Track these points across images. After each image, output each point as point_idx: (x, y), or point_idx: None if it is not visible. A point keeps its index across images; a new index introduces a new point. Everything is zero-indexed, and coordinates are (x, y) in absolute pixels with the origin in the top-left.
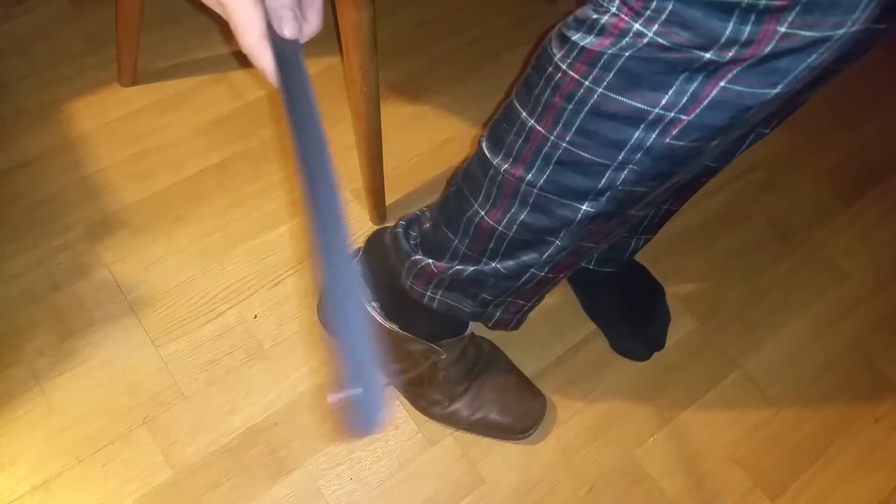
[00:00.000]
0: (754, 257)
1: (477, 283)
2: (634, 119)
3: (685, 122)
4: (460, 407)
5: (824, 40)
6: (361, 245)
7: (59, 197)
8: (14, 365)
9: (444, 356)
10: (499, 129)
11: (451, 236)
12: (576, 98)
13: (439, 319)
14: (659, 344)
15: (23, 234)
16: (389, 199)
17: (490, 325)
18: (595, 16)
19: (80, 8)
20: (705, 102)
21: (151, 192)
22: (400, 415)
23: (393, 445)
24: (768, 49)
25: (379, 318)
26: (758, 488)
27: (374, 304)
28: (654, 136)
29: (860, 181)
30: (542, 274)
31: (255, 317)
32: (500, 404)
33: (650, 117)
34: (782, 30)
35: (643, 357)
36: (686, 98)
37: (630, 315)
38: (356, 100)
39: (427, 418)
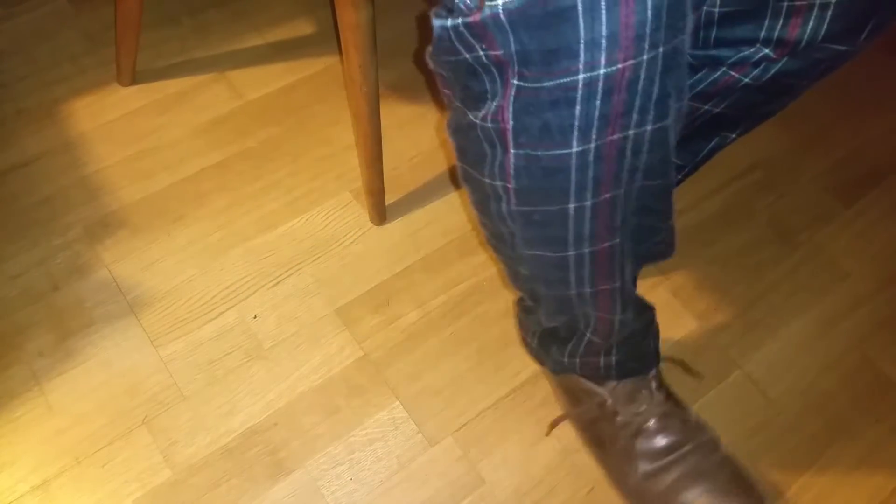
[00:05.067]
0: (754, 257)
1: (549, 336)
2: (486, 191)
3: (513, 190)
4: (651, 492)
5: (571, 86)
6: None
7: (59, 197)
8: (14, 365)
9: (608, 401)
10: None
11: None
12: (459, 168)
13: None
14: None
15: (22, 234)
16: (389, 199)
17: (580, 374)
18: None
19: (79, 8)
20: (512, 170)
21: (151, 192)
22: (400, 415)
23: (393, 446)
24: (514, 105)
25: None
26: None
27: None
28: (503, 206)
29: (860, 181)
30: (593, 314)
31: (255, 317)
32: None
33: (488, 189)
34: (516, 83)
35: None
36: (497, 167)
37: None
38: (356, 100)
39: (429, 419)
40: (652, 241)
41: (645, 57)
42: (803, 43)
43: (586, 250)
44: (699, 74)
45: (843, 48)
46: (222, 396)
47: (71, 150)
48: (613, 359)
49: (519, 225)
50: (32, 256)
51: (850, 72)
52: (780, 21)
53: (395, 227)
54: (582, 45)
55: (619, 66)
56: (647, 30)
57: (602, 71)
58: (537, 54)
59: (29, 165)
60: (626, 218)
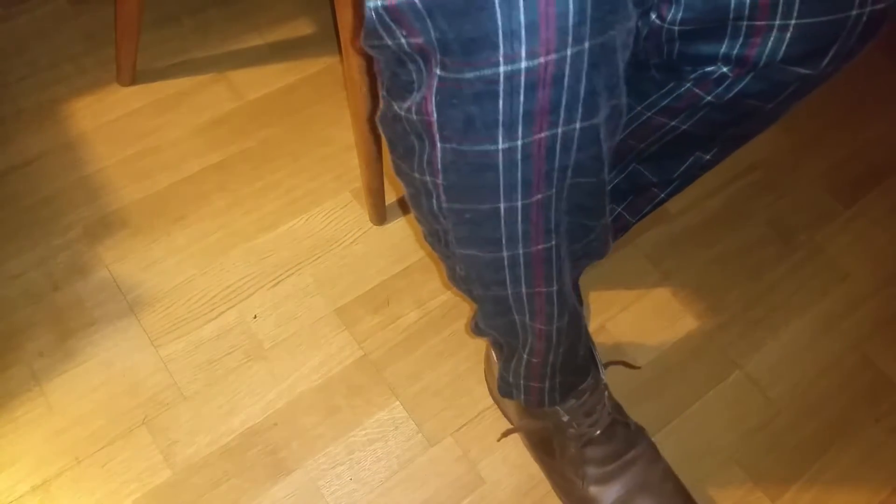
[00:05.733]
0: (754, 257)
1: (497, 350)
2: (417, 186)
3: (442, 186)
4: (599, 500)
5: (492, 79)
6: None
7: (59, 197)
8: (14, 365)
9: (565, 418)
10: None
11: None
12: (391, 161)
13: None
14: None
15: (22, 234)
16: (389, 198)
17: (524, 405)
18: None
19: (79, 8)
20: (440, 165)
21: (151, 192)
22: (400, 415)
23: (393, 446)
24: (437, 97)
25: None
26: (758, 489)
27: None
28: (434, 202)
29: (860, 181)
30: (530, 324)
31: (255, 317)
32: None
33: (418, 185)
34: (438, 73)
35: None
36: (426, 162)
37: None
38: (356, 100)
39: (429, 419)
40: (585, 240)
41: (569, 52)
42: (762, 63)
43: (520, 251)
44: (664, 89)
45: (805, 71)
46: (222, 396)
47: (71, 150)
48: (557, 381)
49: (451, 223)
50: (33, 256)
51: (849, 73)
52: (740, 40)
53: (395, 227)
54: (501, 36)
55: (541, 59)
56: (570, 22)
57: (523, 64)
58: (456, 43)
59: (29, 165)
60: (560, 220)
